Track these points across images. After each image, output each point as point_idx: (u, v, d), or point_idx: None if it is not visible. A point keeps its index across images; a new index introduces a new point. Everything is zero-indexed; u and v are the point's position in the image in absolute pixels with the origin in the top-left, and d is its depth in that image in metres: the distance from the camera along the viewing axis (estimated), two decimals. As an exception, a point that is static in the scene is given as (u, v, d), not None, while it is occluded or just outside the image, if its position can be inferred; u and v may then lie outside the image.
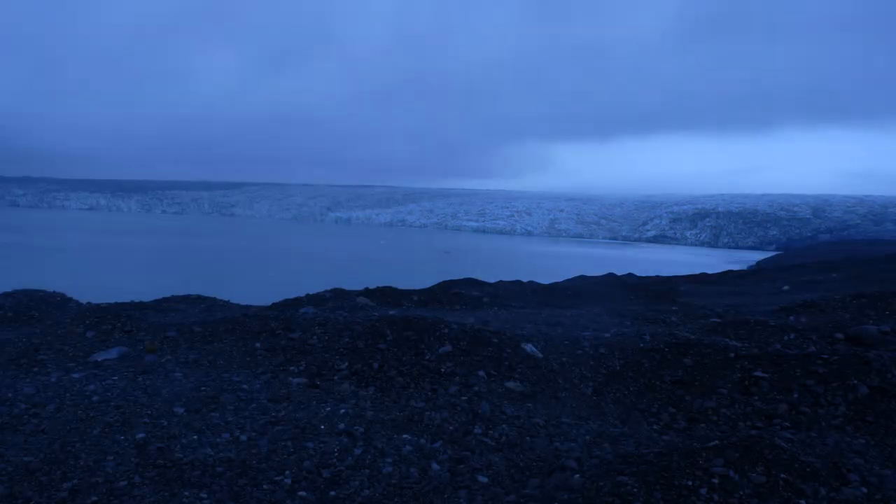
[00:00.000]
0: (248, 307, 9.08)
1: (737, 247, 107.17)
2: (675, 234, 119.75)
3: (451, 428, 4.44)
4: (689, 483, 3.30)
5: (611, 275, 24.56)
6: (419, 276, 24.16)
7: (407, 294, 11.33)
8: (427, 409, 4.71)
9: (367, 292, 11.37)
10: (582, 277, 22.79)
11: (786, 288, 17.69)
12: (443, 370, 5.45)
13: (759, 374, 5.23)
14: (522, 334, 6.36)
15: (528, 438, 4.37)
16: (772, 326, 7.35)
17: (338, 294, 11.01)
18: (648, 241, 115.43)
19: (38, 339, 6.34)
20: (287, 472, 3.74)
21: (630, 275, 25.82)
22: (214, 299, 9.93)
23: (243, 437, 4.12)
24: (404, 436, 4.29)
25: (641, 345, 6.09)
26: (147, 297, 9.81)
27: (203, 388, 4.93)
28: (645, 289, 14.77)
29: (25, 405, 4.47)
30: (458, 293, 11.56)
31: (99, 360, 5.85)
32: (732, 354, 5.62)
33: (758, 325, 7.42)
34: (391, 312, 7.46)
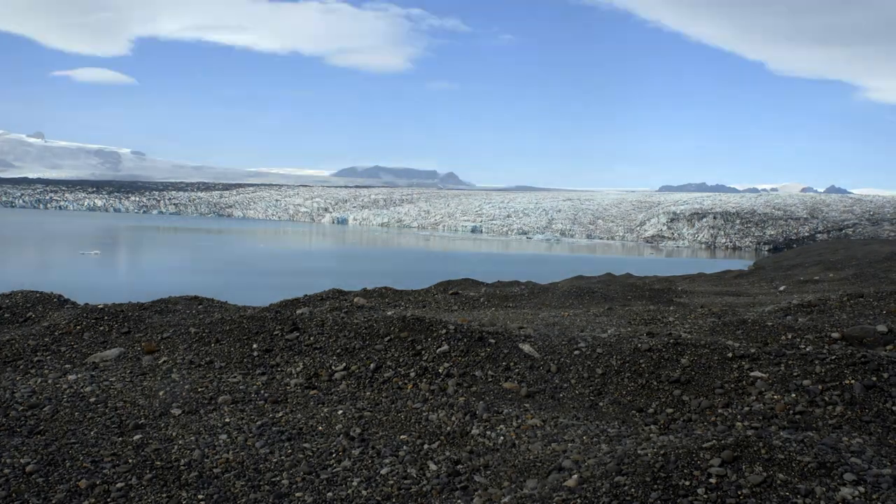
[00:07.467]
0: (245, 308, 9.08)
1: (734, 246, 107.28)
2: (672, 233, 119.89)
3: (448, 429, 4.44)
4: (687, 483, 3.30)
5: (608, 275, 24.61)
6: (418, 277, 24.16)
7: (405, 294, 11.33)
8: (424, 410, 4.72)
9: (364, 293, 11.38)
10: (580, 277, 22.82)
11: (783, 288, 17.73)
12: (440, 370, 5.45)
13: (756, 373, 5.24)
14: (520, 334, 6.37)
15: (525, 439, 4.37)
16: (769, 326, 7.37)
17: (335, 294, 11.02)
18: (646, 240, 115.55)
19: (35, 341, 6.33)
20: (284, 474, 3.74)
21: (628, 275, 25.88)
22: (212, 300, 9.92)
23: (240, 439, 4.12)
24: (402, 436, 4.29)
25: (639, 345, 6.09)
26: (144, 298, 9.79)
27: (200, 390, 4.93)
28: (642, 288, 14.77)
29: (22, 407, 4.47)
30: (456, 293, 11.57)
31: (96, 361, 5.85)
32: (730, 354, 5.63)
33: (755, 325, 7.44)
34: (389, 313, 7.46)
